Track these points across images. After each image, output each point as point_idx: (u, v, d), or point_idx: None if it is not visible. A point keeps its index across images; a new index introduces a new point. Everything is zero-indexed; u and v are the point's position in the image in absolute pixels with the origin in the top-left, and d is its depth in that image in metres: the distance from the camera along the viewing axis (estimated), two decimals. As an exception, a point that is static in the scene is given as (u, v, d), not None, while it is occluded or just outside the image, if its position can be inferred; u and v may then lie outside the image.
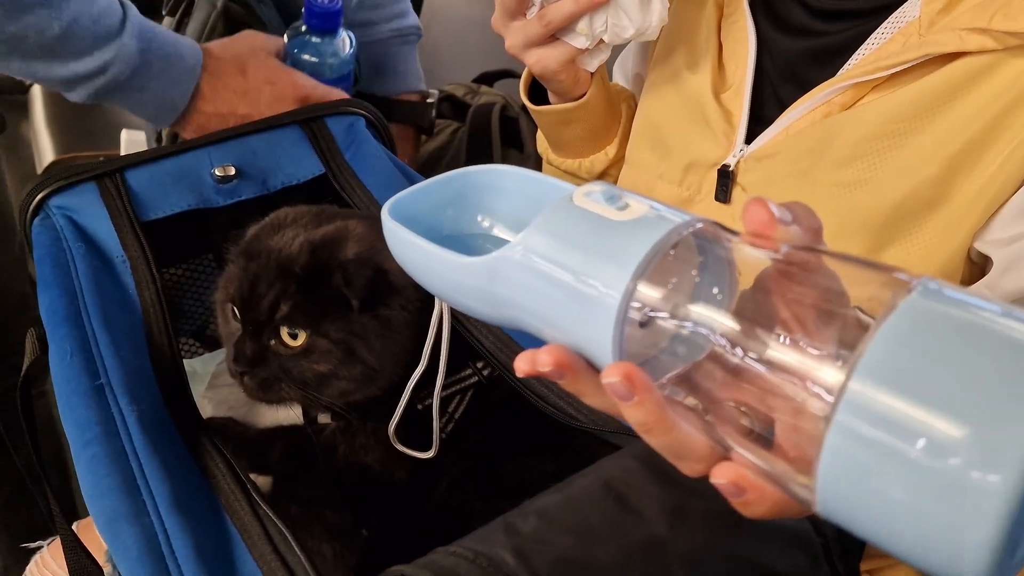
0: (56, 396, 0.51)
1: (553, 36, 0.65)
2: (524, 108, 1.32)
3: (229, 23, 0.96)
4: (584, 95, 0.72)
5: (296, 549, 0.40)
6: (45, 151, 1.47)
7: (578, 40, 0.64)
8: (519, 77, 1.38)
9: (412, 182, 0.70)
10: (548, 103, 0.77)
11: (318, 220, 0.58)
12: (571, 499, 0.38)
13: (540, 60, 0.66)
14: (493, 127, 1.21)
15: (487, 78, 1.39)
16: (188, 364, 0.79)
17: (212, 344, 0.95)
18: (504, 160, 1.21)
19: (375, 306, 0.54)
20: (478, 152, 1.21)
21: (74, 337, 0.53)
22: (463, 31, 1.59)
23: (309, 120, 0.74)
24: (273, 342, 0.54)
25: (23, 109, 1.58)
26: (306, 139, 0.73)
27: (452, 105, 1.29)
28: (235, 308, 0.56)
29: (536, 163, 1.27)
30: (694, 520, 0.38)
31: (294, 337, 0.54)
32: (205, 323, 0.91)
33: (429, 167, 1.23)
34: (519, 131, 1.24)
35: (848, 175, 0.58)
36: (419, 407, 0.57)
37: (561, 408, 0.50)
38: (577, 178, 0.82)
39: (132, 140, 1.47)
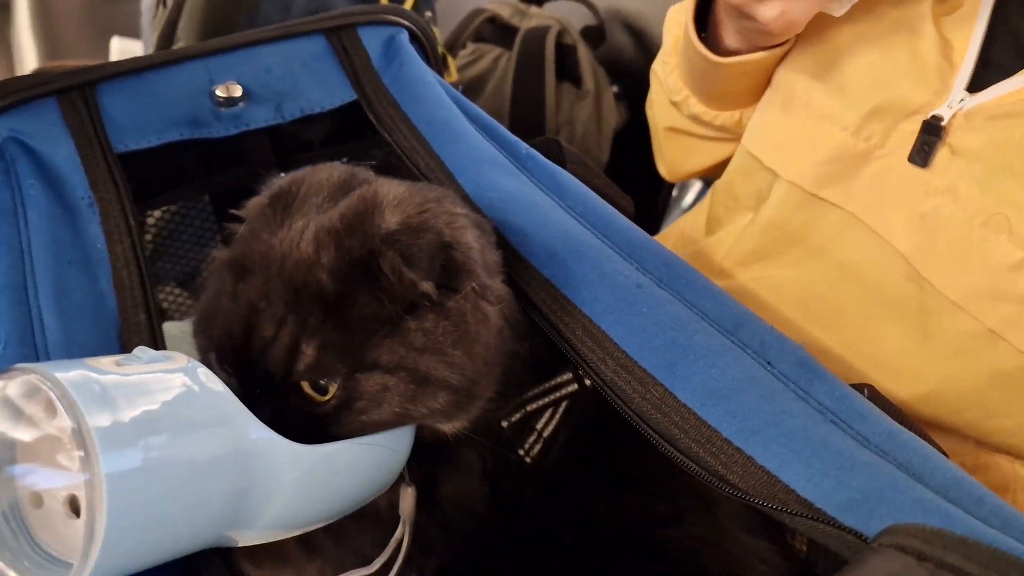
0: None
1: None
2: (588, 35, 1.13)
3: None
4: (784, 43, 0.56)
5: None
6: (27, 58, 1.29)
7: None
8: (573, -1, 1.19)
9: (469, 116, 0.54)
10: None
11: (336, 195, 0.40)
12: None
13: (786, 12, 0.49)
14: (547, 56, 1.03)
15: (537, -2, 1.19)
16: (169, 329, 0.55)
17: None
18: (558, 96, 1.03)
19: (444, 296, 0.37)
20: (527, 84, 1.03)
21: (12, 318, 0.38)
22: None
23: (337, 29, 0.57)
24: (293, 400, 0.37)
25: (3, 11, 1.39)
26: (333, 54, 0.57)
27: (495, 28, 1.10)
28: (225, 363, 0.37)
29: (596, 103, 1.10)
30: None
31: (322, 391, 0.36)
32: (196, 269, 0.76)
33: (468, 97, 1.05)
34: (576, 63, 1.06)
35: None
36: (503, 423, 0.43)
37: (674, 439, 0.36)
38: (733, 134, 0.65)
39: (125, 51, 1.27)
